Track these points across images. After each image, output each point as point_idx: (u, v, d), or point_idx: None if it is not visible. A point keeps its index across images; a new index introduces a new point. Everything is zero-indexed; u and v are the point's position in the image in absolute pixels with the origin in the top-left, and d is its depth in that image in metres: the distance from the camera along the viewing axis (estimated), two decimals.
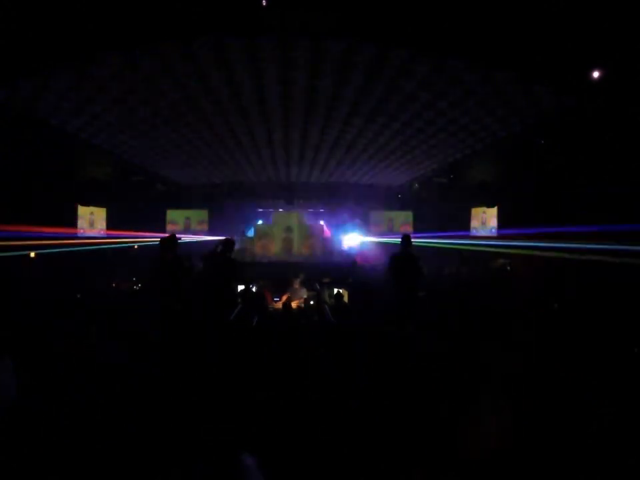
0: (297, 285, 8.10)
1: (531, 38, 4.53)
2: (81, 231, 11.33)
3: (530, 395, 2.90)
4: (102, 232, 12.22)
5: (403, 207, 15.40)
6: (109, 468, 2.08)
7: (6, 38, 4.40)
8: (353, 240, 15.49)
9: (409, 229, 14.37)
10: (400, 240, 6.13)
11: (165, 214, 15.03)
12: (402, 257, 5.96)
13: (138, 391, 3.04)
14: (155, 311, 5.14)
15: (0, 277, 7.79)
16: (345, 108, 7.06)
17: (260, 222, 16.43)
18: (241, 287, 7.94)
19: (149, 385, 3.18)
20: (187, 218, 15.39)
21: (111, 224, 12.49)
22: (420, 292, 6.41)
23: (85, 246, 10.92)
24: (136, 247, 12.97)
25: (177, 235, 5.78)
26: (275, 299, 7.83)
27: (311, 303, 7.75)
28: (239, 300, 6.49)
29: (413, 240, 6.13)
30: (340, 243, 15.65)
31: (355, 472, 2.15)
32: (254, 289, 8.16)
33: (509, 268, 10.90)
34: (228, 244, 6.07)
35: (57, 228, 9.64)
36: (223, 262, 5.93)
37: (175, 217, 15.15)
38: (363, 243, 15.32)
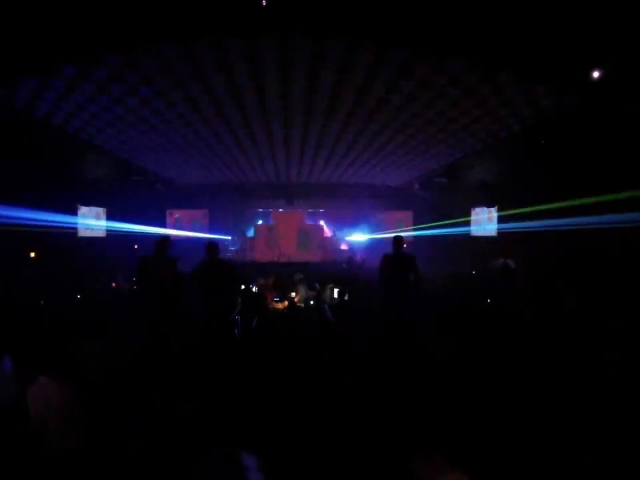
0: (296, 284, 8.09)
1: (530, 38, 4.53)
2: (81, 231, 11.32)
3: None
4: (102, 232, 12.21)
5: (402, 207, 15.42)
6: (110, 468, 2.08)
7: (6, 37, 4.40)
8: (353, 239, 15.52)
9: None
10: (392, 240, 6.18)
11: (165, 214, 15.04)
12: (394, 257, 6.01)
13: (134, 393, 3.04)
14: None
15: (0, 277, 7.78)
16: (345, 108, 7.07)
17: (260, 222, 16.45)
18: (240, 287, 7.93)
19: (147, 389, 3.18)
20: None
21: (111, 224, 12.48)
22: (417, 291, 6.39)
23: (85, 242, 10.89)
24: (136, 246, 12.97)
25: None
26: (275, 299, 7.82)
27: (311, 303, 7.74)
28: (239, 300, 6.47)
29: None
30: (340, 242, 15.67)
31: (354, 464, 2.15)
32: (254, 289, 8.15)
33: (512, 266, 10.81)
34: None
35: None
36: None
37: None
38: (363, 242, 15.34)
